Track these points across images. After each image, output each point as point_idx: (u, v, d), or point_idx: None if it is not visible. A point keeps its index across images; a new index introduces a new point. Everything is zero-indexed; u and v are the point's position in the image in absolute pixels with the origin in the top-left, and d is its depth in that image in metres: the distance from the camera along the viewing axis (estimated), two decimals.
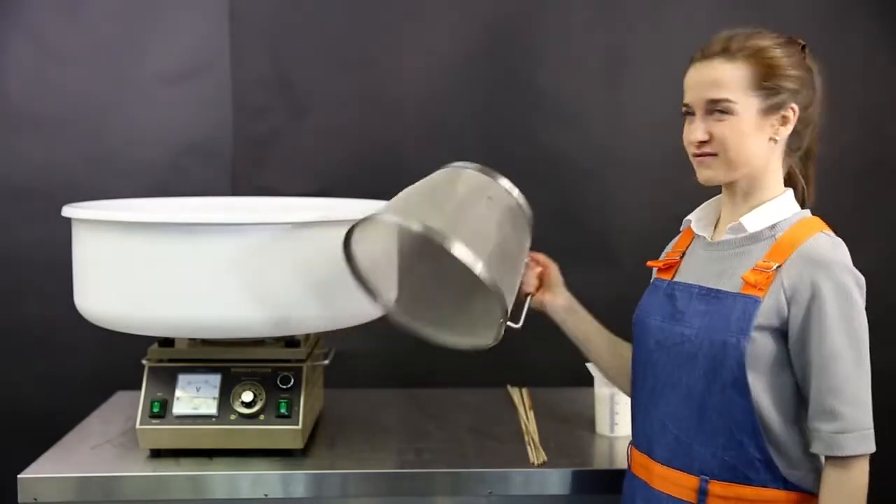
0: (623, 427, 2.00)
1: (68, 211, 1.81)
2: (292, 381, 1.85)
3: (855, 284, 1.39)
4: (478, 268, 1.45)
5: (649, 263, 1.64)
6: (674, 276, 1.56)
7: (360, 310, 1.88)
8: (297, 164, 2.64)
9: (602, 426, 2.02)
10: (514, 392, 2.26)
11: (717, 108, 1.42)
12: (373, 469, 1.80)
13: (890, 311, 2.67)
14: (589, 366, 1.89)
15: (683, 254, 1.58)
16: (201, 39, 2.62)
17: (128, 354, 2.08)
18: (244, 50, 2.62)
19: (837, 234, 1.46)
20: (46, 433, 2.02)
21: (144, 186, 2.58)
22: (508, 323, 1.61)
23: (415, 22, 2.63)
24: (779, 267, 1.39)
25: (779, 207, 1.46)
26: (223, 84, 2.63)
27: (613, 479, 1.76)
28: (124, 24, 2.60)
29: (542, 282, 1.73)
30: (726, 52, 1.44)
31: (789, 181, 1.52)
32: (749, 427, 1.39)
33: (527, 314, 1.69)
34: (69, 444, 1.93)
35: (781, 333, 1.39)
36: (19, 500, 1.74)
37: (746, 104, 1.42)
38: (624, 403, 1.98)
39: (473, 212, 1.57)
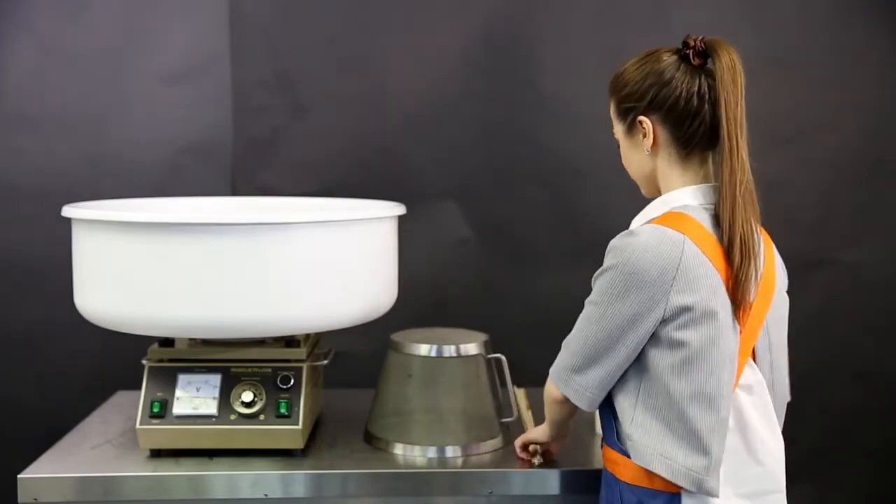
0: None
1: (68, 211, 1.81)
2: (292, 381, 1.85)
3: (606, 265, 1.49)
4: None
5: None
6: None
7: (359, 310, 1.88)
8: (296, 164, 2.64)
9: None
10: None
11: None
12: (373, 469, 1.80)
13: (890, 312, 2.68)
14: None
15: None
16: (201, 39, 2.62)
17: (128, 354, 2.08)
18: (244, 50, 2.62)
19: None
20: (46, 433, 2.02)
21: (144, 186, 2.58)
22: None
23: (415, 22, 2.63)
24: None
25: (655, 207, 1.55)
26: (223, 84, 2.63)
27: None
28: (124, 25, 2.60)
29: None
30: (608, 91, 1.63)
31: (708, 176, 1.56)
32: (607, 397, 1.55)
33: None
34: (69, 444, 1.93)
35: None
36: (19, 500, 1.74)
37: (618, 130, 1.61)
38: None
39: None
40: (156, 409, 1.82)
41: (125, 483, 1.76)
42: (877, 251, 2.64)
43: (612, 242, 1.50)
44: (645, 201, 1.60)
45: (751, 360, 1.50)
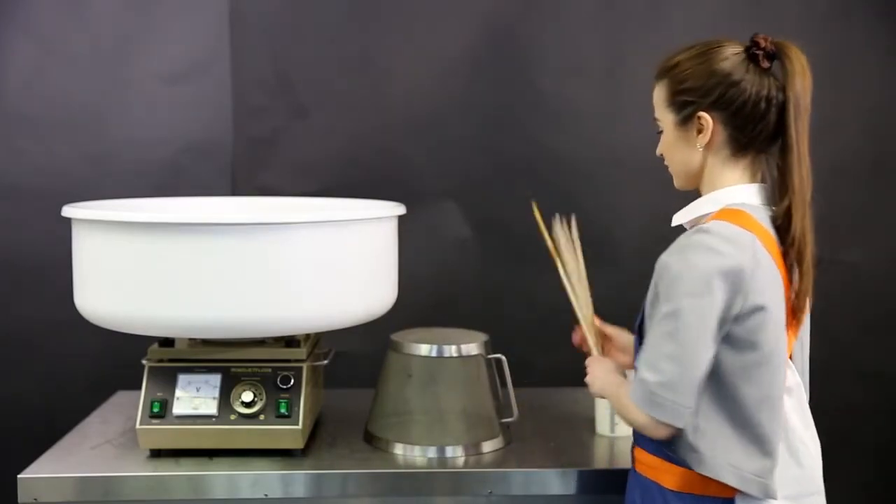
0: (623, 427, 2.00)
1: (68, 211, 1.81)
2: (292, 381, 1.85)
3: (671, 270, 1.41)
4: None
5: None
6: None
7: (360, 310, 1.88)
8: (296, 164, 2.64)
9: (602, 426, 2.02)
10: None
11: (656, 127, 1.59)
12: (373, 469, 1.80)
13: (890, 312, 2.68)
14: None
15: None
16: (201, 39, 2.62)
17: (128, 354, 2.08)
18: (244, 50, 2.62)
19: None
20: (46, 433, 2.02)
21: (144, 186, 2.57)
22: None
23: (415, 22, 2.63)
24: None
25: (706, 203, 1.51)
26: (223, 84, 2.63)
27: (613, 480, 1.76)
28: (124, 24, 2.60)
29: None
30: (656, 75, 1.58)
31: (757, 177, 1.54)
32: None
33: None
34: (69, 444, 1.93)
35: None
36: (19, 500, 1.74)
37: (666, 121, 1.56)
38: None
39: None
40: (156, 409, 1.82)
41: (125, 483, 1.75)
42: (877, 251, 2.64)
43: (684, 241, 1.43)
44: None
45: (789, 360, 1.49)
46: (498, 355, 1.95)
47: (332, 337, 2.04)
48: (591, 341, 1.73)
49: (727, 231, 1.41)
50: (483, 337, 1.98)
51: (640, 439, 1.56)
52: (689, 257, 1.39)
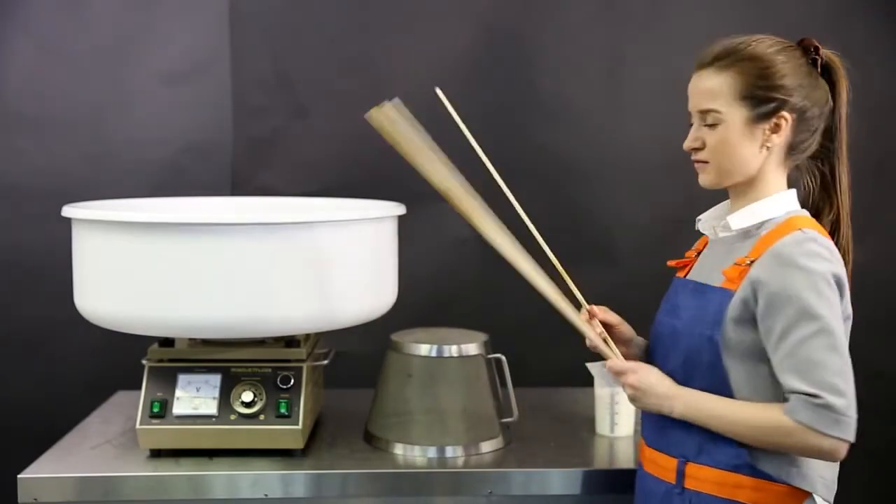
0: (623, 427, 2.00)
1: (68, 211, 1.81)
2: (292, 381, 1.85)
3: (812, 276, 1.37)
4: None
5: (670, 263, 1.68)
6: (687, 274, 1.61)
7: (360, 310, 1.88)
8: (296, 164, 2.64)
9: (602, 426, 2.02)
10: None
11: (707, 118, 1.47)
12: (373, 469, 1.80)
13: (890, 312, 2.67)
14: (589, 365, 1.89)
15: (699, 253, 1.63)
16: (201, 39, 2.62)
17: (128, 354, 2.08)
18: (244, 50, 2.62)
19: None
20: (46, 433, 2.02)
21: (144, 186, 2.57)
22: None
23: (415, 22, 2.62)
24: (753, 262, 1.43)
25: (769, 206, 1.48)
26: (223, 84, 2.62)
27: (614, 479, 1.76)
28: (124, 25, 2.60)
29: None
30: (717, 63, 1.46)
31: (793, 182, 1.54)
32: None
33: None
34: (69, 444, 1.93)
35: (753, 324, 1.42)
36: (19, 500, 1.74)
37: (733, 114, 1.45)
38: (624, 403, 1.98)
39: None
40: (156, 409, 1.82)
41: (125, 483, 1.75)
42: (877, 251, 2.64)
43: (794, 250, 1.38)
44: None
45: None
46: (498, 355, 1.95)
47: (332, 337, 2.04)
48: (602, 347, 1.59)
49: (825, 239, 1.42)
50: (483, 337, 1.98)
51: (700, 455, 1.46)
52: (812, 266, 1.37)
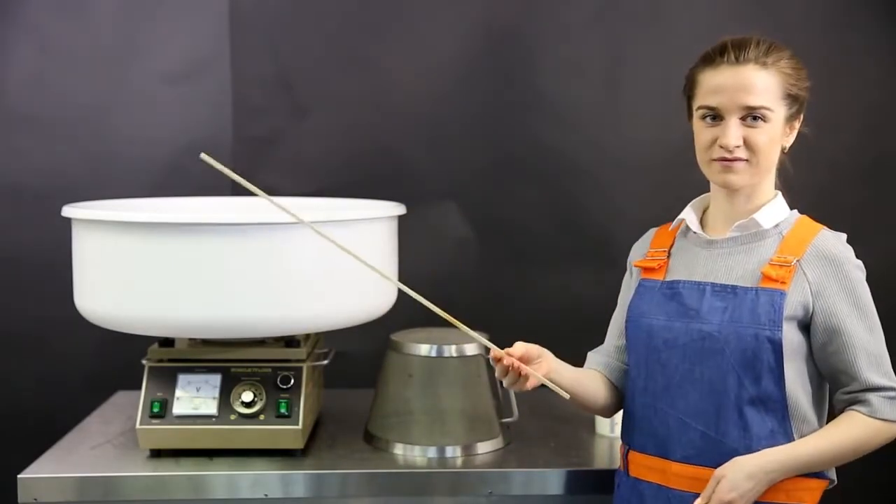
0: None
1: (68, 211, 1.81)
2: (292, 381, 1.85)
3: (861, 274, 1.51)
4: None
5: (635, 264, 1.65)
6: (667, 276, 1.57)
7: (360, 310, 1.88)
8: (297, 164, 2.64)
9: (602, 426, 2.02)
10: None
11: (753, 115, 1.44)
12: (373, 469, 1.80)
13: (890, 312, 2.67)
14: None
15: (669, 253, 1.59)
16: (201, 39, 2.62)
17: (128, 354, 2.08)
18: (244, 50, 2.62)
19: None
20: (46, 433, 2.02)
21: (144, 186, 2.57)
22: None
23: (415, 22, 2.62)
24: (798, 261, 1.46)
25: (780, 207, 1.53)
26: (223, 84, 2.62)
27: (614, 480, 1.76)
28: (124, 25, 2.60)
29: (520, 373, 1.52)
30: (761, 60, 1.45)
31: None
32: (780, 416, 1.45)
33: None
34: (69, 444, 1.93)
35: (804, 325, 1.46)
36: (19, 500, 1.74)
37: (778, 113, 1.46)
38: None
39: None
40: (156, 409, 1.82)
41: (125, 483, 1.76)
42: (877, 251, 2.63)
43: (842, 249, 1.49)
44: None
45: None
46: None
47: (332, 337, 2.04)
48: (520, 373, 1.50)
49: None
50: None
51: (638, 441, 1.56)
52: (857, 263, 1.50)
